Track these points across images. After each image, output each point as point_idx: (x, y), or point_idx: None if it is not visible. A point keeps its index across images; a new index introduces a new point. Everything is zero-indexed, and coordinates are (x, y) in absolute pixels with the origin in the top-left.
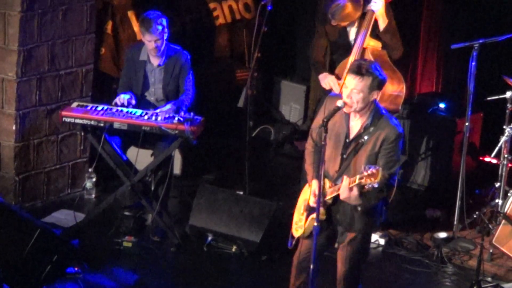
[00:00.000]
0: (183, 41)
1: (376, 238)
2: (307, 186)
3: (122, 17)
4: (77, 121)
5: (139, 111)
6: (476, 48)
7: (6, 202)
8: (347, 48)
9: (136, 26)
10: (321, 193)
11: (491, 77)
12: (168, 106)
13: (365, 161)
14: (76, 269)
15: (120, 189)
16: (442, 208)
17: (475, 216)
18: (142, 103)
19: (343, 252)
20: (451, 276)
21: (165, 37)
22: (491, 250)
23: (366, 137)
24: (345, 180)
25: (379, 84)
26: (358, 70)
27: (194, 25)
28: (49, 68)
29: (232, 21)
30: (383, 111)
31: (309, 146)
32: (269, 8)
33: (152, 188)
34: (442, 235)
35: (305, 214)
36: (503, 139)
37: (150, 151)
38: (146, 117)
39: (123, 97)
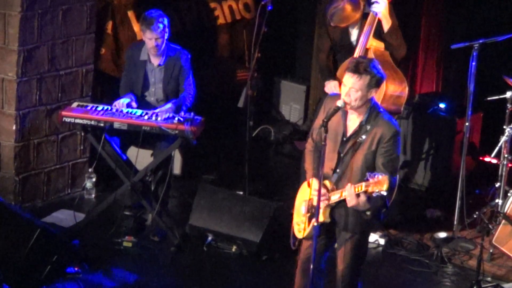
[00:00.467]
0: (183, 41)
1: (376, 238)
2: (304, 186)
3: (122, 17)
4: (77, 121)
5: (139, 111)
6: (476, 48)
7: (6, 202)
8: (350, 48)
9: (136, 26)
10: (325, 193)
11: (491, 77)
12: (168, 106)
13: (362, 160)
14: (76, 269)
15: (120, 189)
16: (442, 208)
17: (475, 216)
18: (142, 103)
19: (342, 252)
20: (451, 276)
21: (165, 37)
22: (491, 250)
23: (363, 136)
24: (350, 188)
25: (377, 82)
26: (356, 68)
27: (194, 25)
28: (49, 68)
29: (232, 21)
30: (380, 109)
31: (309, 145)
32: (269, 8)
33: (152, 188)
34: (442, 235)
35: (307, 215)
36: (503, 139)
37: (150, 151)
38: (146, 117)
39: (122, 102)
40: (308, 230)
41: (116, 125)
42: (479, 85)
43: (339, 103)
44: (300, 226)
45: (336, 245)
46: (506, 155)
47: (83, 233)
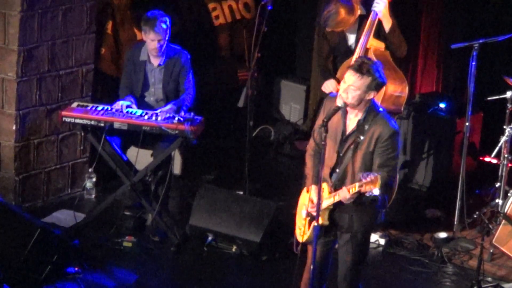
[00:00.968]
0: (183, 41)
1: (376, 238)
2: (305, 190)
3: (122, 17)
4: (77, 121)
5: (139, 111)
6: (476, 48)
7: (6, 202)
8: (347, 52)
9: (135, 28)
10: (320, 199)
11: (491, 77)
12: (169, 106)
13: (360, 160)
14: (76, 269)
15: (120, 189)
16: (442, 208)
17: (475, 216)
18: (141, 103)
19: (343, 253)
20: (451, 276)
21: (167, 37)
22: (491, 250)
23: (362, 137)
24: (344, 191)
25: (377, 86)
26: (359, 68)
27: (194, 25)
28: (49, 68)
29: (232, 21)
30: (379, 109)
31: (309, 149)
32: (269, 8)
33: (152, 188)
34: (442, 235)
35: (307, 219)
36: (503, 139)
37: (150, 151)
38: (146, 117)
39: (121, 104)
40: (308, 233)
41: (116, 125)
42: (479, 85)
43: (339, 103)
44: (301, 230)
45: (337, 246)
46: (506, 155)
47: (83, 233)
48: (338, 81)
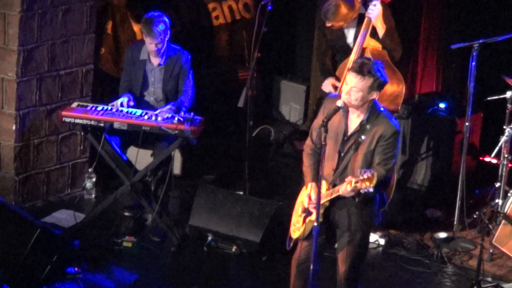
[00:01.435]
0: (183, 41)
1: (376, 238)
2: (304, 188)
3: (122, 17)
4: (77, 121)
5: (139, 111)
6: (476, 48)
7: (6, 202)
8: (346, 50)
9: (136, 26)
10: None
11: (491, 77)
12: (168, 107)
13: (362, 159)
14: (76, 269)
15: (120, 189)
16: (442, 208)
17: (475, 216)
18: (141, 103)
19: (342, 252)
20: (451, 276)
21: (166, 39)
22: (491, 250)
23: (363, 137)
24: (344, 185)
25: (379, 86)
26: (360, 69)
27: (194, 25)
28: (49, 68)
29: (232, 21)
30: (381, 109)
31: (307, 148)
32: (269, 8)
33: (152, 188)
34: (442, 235)
35: (302, 216)
36: (503, 139)
37: (150, 151)
38: (146, 117)
39: (121, 102)
40: (302, 230)
41: (116, 125)
42: (479, 85)
43: (339, 103)
44: (296, 226)
45: (336, 246)
46: (506, 155)
47: (83, 233)
48: (337, 79)
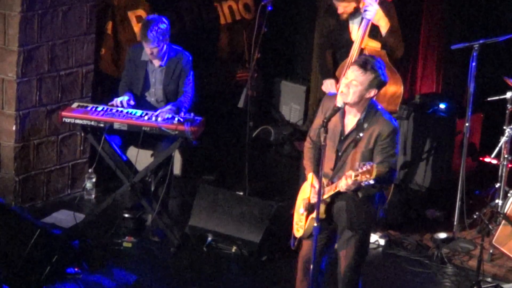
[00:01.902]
0: (183, 41)
1: (376, 239)
2: (304, 185)
3: (122, 17)
4: (77, 121)
5: (139, 112)
6: (476, 48)
7: (6, 202)
8: (349, 46)
9: (136, 27)
10: (320, 198)
11: (491, 78)
12: (168, 107)
13: (360, 158)
14: (76, 269)
15: (120, 190)
16: (442, 209)
17: (475, 216)
18: (142, 103)
19: (343, 251)
20: (451, 276)
21: (163, 44)
22: (491, 251)
23: (361, 134)
24: (343, 180)
25: (378, 84)
26: (363, 64)
27: (194, 25)
28: (49, 69)
29: (232, 22)
30: (378, 107)
31: (307, 143)
32: (269, 8)
33: (152, 189)
34: (442, 235)
35: (305, 213)
36: (503, 139)
37: (150, 152)
38: (146, 117)
39: (121, 100)
40: (305, 228)
41: (116, 126)
42: (479, 86)
43: (339, 103)
44: (299, 225)
45: (336, 245)
46: (506, 156)
47: (83, 233)
48: (337, 80)
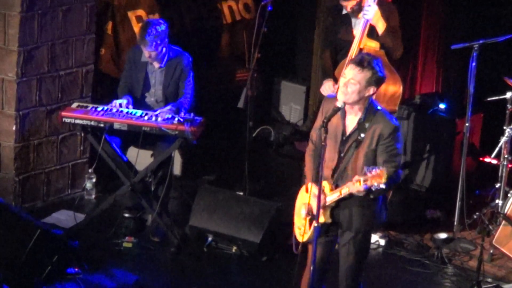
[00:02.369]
0: (183, 41)
1: (377, 239)
2: (302, 189)
3: (122, 17)
4: (77, 121)
5: (139, 112)
6: (476, 48)
7: (6, 202)
8: (350, 46)
9: (136, 27)
10: (322, 196)
11: (491, 78)
12: (168, 107)
13: (363, 159)
14: (76, 269)
15: (120, 190)
16: (443, 209)
17: (475, 216)
18: (141, 103)
19: (344, 252)
20: (451, 276)
21: (163, 45)
22: (491, 251)
23: (362, 135)
24: (357, 185)
25: (377, 81)
26: (360, 62)
27: (193, 25)
28: (49, 69)
29: (232, 22)
30: (378, 107)
31: (309, 150)
32: (269, 8)
33: (152, 189)
34: (443, 235)
35: (308, 218)
36: (503, 139)
37: (150, 152)
38: (146, 117)
39: (120, 103)
40: (309, 233)
41: (116, 126)
42: (479, 86)
43: (339, 103)
44: (302, 230)
45: (337, 246)
46: (506, 156)
47: (83, 233)
48: (336, 81)
